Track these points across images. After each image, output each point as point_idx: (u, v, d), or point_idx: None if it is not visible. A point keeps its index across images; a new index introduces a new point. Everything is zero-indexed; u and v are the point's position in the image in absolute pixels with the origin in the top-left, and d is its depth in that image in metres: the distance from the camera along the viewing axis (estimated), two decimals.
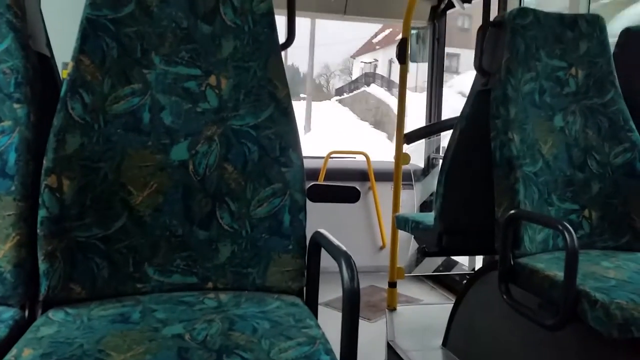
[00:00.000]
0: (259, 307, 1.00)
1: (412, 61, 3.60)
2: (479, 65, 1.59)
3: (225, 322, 0.91)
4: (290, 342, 0.86)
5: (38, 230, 0.99)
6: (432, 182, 3.41)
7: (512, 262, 1.32)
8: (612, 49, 1.66)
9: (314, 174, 3.21)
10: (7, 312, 0.95)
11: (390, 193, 2.48)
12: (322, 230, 1.02)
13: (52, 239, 1.00)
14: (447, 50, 3.49)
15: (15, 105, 1.04)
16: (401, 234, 2.25)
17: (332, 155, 3.45)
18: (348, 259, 0.83)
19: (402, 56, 2.28)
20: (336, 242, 0.93)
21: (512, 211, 1.32)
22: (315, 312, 1.06)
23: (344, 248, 0.88)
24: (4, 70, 1.05)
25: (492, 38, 1.60)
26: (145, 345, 0.82)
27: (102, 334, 0.85)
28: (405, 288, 2.99)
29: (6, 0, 1.07)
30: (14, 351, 0.80)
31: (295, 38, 1.33)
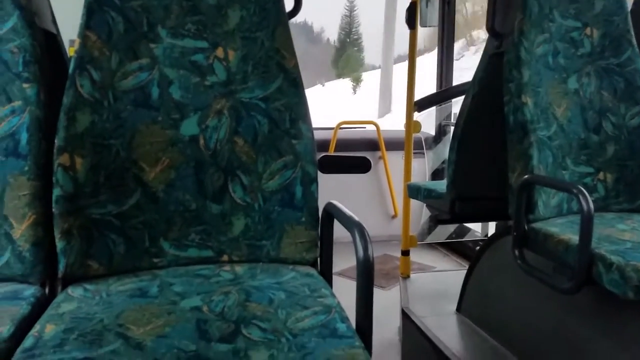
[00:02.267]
0: (275, 278, 1.01)
1: (422, 26, 3.52)
2: (491, 27, 1.55)
3: (242, 293, 0.93)
4: (306, 311, 0.87)
5: (53, 209, 1.01)
6: (444, 150, 3.38)
7: (526, 227, 1.31)
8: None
9: (324, 144, 3.21)
10: (28, 290, 0.98)
11: (401, 162, 2.47)
12: (335, 202, 1.02)
13: (68, 217, 1.01)
14: None
15: (25, 85, 1.04)
16: (413, 202, 2.25)
17: (342, 126, 3.43)
18: (361, 230, 0.84)
19: (412, 21, 2.23)
20: (349, 212, 0.93)
21: (526, 176, 1.31)
22: (329, 282, 1.07)
23: (357, 219, 0.88)
24: (11, 50, 1.04)
25: None
26: (164, 318, 0.84)
27: (121, 309, 0.87)
28: (418, 256, 3.01)
29: None
30: (37, 327, 0.82)
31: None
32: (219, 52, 1.15)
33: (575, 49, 1.52)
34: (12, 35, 1.05)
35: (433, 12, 3.50)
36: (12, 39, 1.05)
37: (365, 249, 0.82)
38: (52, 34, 1.17)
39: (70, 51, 1.29)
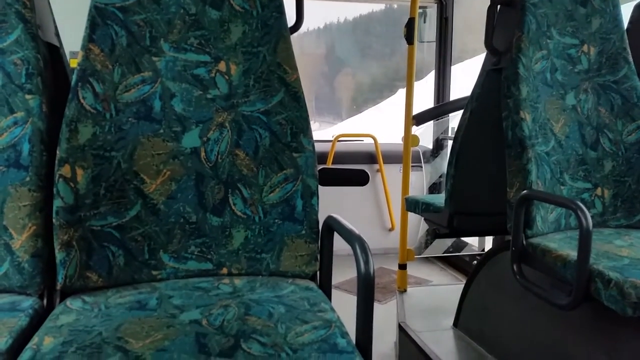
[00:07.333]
0: (274, 292, 1.01)
1: (420, 41, 3.56)
2: (489, 44, 1.57)
3: (241, 307, 0.93)
4: (306, 326, 0.87)
5: (54, 220, 1.00)
6: (442, 163, 3.40)
7: (524, 242, 1.32)
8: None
9: (322, 157, 3.21)
10: (26, 301, 0.97)
11: (398, 175, 2.48)
12: (335, 215, 1.02)
13: (68, 229, 1.01)
14: None
15: (27, 97, 1.04)
16: (410, 215, 2.25)
17: (340, 139, 3.45)
18: (362, 244, 0.84)
19: (410, 37, 2.25)
20: (350, 226, 0.93)
21: (524, 191, 1.32)
22: (329, 296, 1.07)
23: (358, 232, 0.89)
24: (14, 62, 1.05)
25: (503, 16, 1.57)
26: (163, 332, 0.83)
27: (120, 322, 0.87)
28: (415, 270, 3.01)
29: None
30: (35, 339, 0.82)
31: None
32: (221, 66, 1.16)
33: (572, 65, 1.53)
34: (16, 47, 1.06)
35: (430, 28, 3.54)
36: (16, 51, 1.06)
37: (367, 263, 0.82)
38: (54, 47, 1.18)
39: (72, 63, 1.30)
